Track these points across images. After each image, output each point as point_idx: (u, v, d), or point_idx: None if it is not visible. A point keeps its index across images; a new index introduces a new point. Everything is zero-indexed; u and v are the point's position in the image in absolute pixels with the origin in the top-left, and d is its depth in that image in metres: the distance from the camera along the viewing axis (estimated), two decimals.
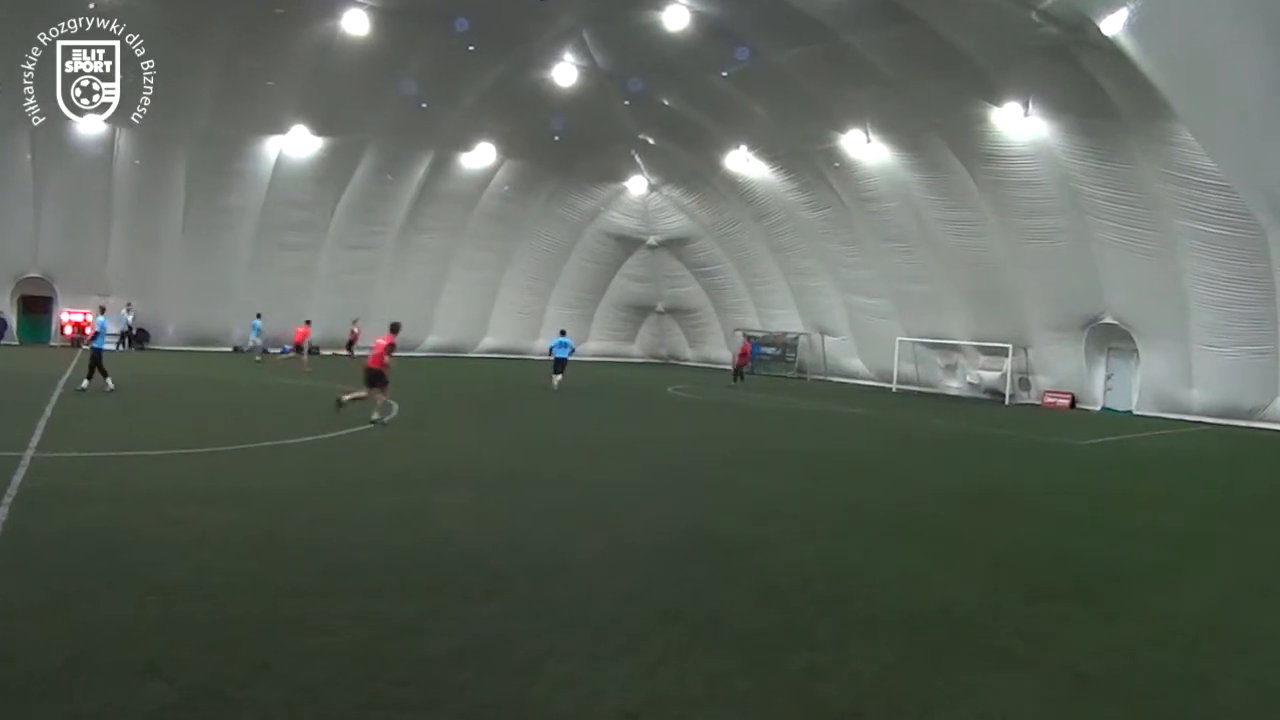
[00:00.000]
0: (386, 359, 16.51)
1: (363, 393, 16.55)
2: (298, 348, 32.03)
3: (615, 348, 49.78)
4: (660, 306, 49.93)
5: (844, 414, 25.24)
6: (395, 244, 39.76)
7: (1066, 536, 10.22)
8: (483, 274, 43.31)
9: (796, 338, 42.04)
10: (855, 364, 39.88)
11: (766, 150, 36.35)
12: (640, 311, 49.81)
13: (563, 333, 29.37)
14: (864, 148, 32.24)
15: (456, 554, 7.99)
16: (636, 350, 51.04)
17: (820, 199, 36.03)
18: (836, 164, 33.64)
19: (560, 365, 26.37)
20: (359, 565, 7.46)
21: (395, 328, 17.29)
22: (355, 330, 36.71)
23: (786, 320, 42.50)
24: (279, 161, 34.95)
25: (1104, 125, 25.17)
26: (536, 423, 19.39)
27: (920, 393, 35.39)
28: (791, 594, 7.35)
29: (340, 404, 16.39)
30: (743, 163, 37.82)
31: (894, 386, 36.40)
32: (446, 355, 42.46)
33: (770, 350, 43.36)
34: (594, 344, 47.97)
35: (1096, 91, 24.10)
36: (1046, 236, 28.91)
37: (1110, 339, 30.52)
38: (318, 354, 39.61)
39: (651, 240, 46.65)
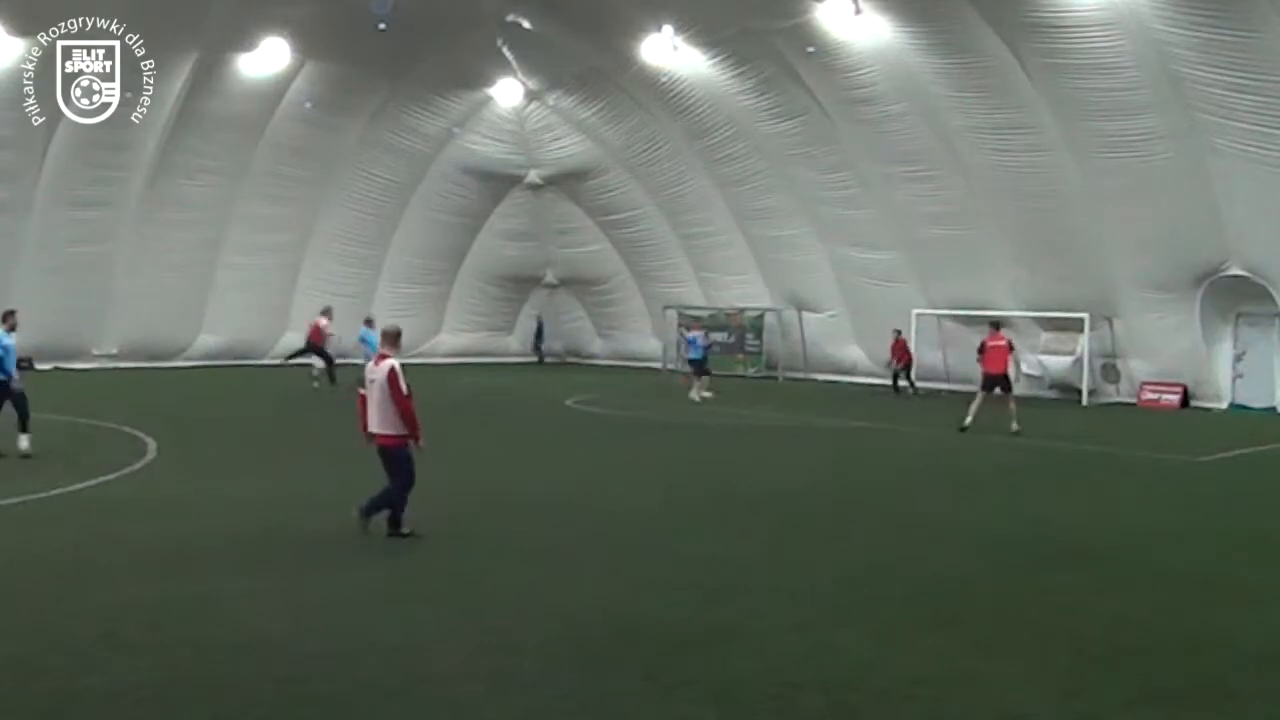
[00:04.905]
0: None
1: (979, 399, 24.17)
2: None
3: (484, 342, 50.02)
4: (551, 277, 50.15)
5: (837, 430, 25.45)
6: (142, 197, 39.14)
7: (1189, 607, 10.28)
8: (278, 237, 42.92)
9: (760, 317, 42.38)
10: (851, 353, 40.52)
11: (703, 32, 36.33)
12: (520, 286, 49.75)
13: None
14: (852, 22, 32.28)
15: (252, 672, 7.94)
16: (516, 344, 51.10)
17: (788, 104, 36.35)
18: (810, 49, 33.79)
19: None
20: (88, 694, 7.33)
21: (997, 325, 25.28)
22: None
23: (744, 291, 42.96)
24: None
25: None
26: (372, 461, 19.09)
27: (951, 392, 35.82)
28: (768, 711, 7.35)
29: (965, 427, 23.71)
30: (668, 53, 37.81)
31: (911, 385, 36.86)
32: (228, 364, 42.20)
33: (721, 337, 43.52)
34: (451, 338, 47.99)
35: None
36: (1136, 148, 29.32)
37: (1240, 300, 31.18)
38: (30, 368, 38.55)
39: (533, 176, 46.74)
